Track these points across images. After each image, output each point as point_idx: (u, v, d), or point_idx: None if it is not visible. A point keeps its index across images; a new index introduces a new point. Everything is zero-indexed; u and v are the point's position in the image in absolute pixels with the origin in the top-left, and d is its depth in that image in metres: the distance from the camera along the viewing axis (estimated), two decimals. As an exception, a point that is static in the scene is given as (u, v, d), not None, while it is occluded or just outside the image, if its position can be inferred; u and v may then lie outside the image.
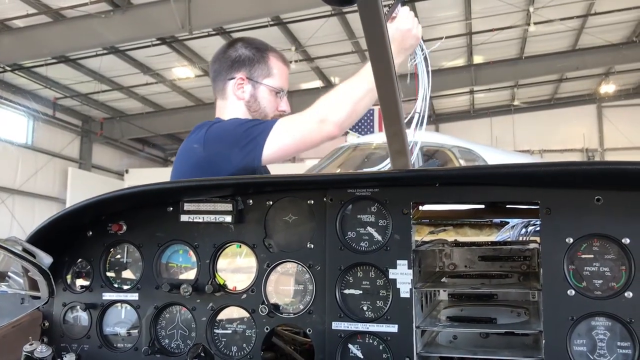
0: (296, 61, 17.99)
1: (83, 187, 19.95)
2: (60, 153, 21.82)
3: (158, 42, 16.89)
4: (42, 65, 17.73)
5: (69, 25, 14.85)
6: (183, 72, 19.35)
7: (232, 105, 2.80)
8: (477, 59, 20.40)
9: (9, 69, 17.67)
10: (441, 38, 18.05)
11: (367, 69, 2.40)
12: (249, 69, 2.78)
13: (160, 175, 21.73)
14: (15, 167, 19.75)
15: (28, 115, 20.12)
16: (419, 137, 2.50)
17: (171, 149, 27.57)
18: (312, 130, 2.42)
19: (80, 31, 14.57)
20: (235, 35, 16.85)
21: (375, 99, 2.42)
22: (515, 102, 24.98)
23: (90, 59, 17.67)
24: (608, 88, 23.76)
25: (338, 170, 8.91)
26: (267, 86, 2.79)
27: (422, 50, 2.59)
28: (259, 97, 2.79)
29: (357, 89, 2.43)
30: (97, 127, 22.85)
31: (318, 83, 20.49)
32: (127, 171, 23.25)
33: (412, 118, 2.43)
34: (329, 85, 20.80)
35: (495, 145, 22.33)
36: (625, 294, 1.60)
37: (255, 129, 2.47)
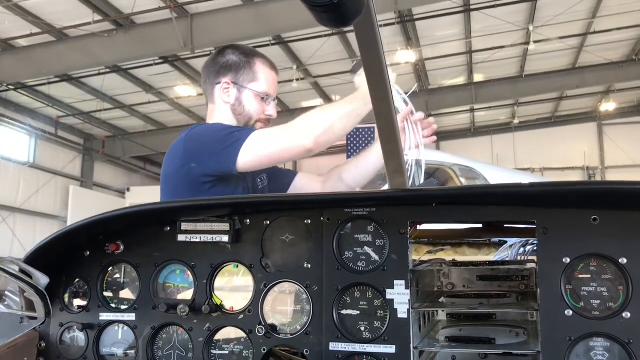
0: (297, 79, 18.11)
1: (84, 206, 19.98)
2: (61, 171, 21.84)
3: (160, 61, 17.01)
4: (44, 84, 17.84)
5: (72, 44, 14.96)
6: (185, 90, 19.42)
7: (219, 109, 2.87)
8: (478, 77, 20.50)
9: (12, 87, 17.76)
10: (443, 56, 18.28)
11: (351, 97, 2.55)
12: (235, 74, 2.84)
13: (162, 193, 21.74)
14: (17, 186, 19.76)
15: (30, 133, 20.19)
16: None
17: (173, 167, 27.58)
18: (288, 141, 2.47)
19: (83, 50, 14.70)
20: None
21: (357, 123, 2.56)
22: (516, 120, 25.04)
23: (92, 77, 17.78)
24: (608, 106, 23.83)
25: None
26: (252, 90, 2.84)
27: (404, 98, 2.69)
28: (244, 101, 2.83)
29: (338, 109, 2.53)
30: (98, 145, 22.89)
31: (319, 101, 20.58)
32: (128, 189, 23.30)
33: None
34: (329, 103, 20.88)
35: (496, 163, 22.32)
36: (623, 314, 1.59)
37: (233, 136, 2.51)
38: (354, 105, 2.54)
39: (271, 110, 2.90)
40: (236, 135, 2.52)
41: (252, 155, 2.46)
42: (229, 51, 2.90)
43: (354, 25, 1.18)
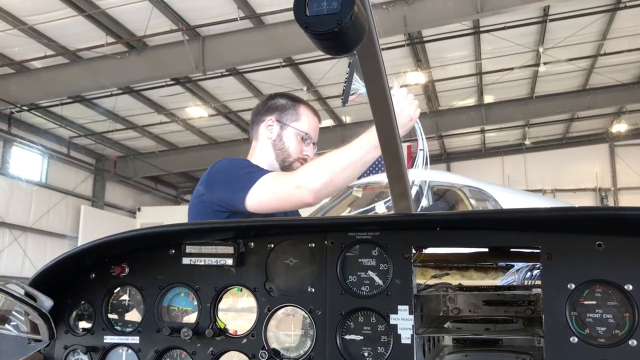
0: (307, 100, 18.17)
1: (95, 225, 20.09)
2: (73, 191, 22.02)
3: (172, 82, 17.18)
4: (57, 105, 18.06)
5: (85, 66, 15.19)
6: (196, 111, 19.60)
7: (261, 144, 3.04)
8: (488, 99, 20.51)
9: (25, 108, 17.99)
10: (453, 78, 18.33)
11: (354, 144, 2.56)
12: (280, 113, 3.04)
13: (172, 213, 21.85)
14: (29, 205, 19.92)
15: (43, 153, 20.39)
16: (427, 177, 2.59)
17: (184, 187, 27.76)
18: (288, 193, 2.51)
19: (96, 72, 14.90)
20: (249, 75, 17.13)
21: (359, 173, 2.62)
22: (527, 142, 24.96)
23: (105, 98, 17.99)
24: (620, 127, 23.69)
25: (347, 209, 8.89)
26: (293, 128, 3.01)
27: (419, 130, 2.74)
28: (285, 138, 3.00)
29: (338, 161, 2.55)
30: (110, 165, 23.08)
31: (329, 122, 20.66)
32: (139, 209, 23.37)
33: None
34: (340, 124, 20.99)
35: (507, 184, 22.25)
36: (630, 342, 1.57)
37: (247, 176, 2.59)
38: (360, 151, 2.55)
39: (308, 151, 3.04)
40: (250, 175, 2.60)
41: (257, 199, 2.52)
42: (278, 96, 3.14)
43: (356, 51, 1.19)
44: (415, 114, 2.66)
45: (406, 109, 2.60)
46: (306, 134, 3.02)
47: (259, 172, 2.64)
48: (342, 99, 2.70)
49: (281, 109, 3.04)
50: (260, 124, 3.05)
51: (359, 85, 2.69)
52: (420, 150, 2.74)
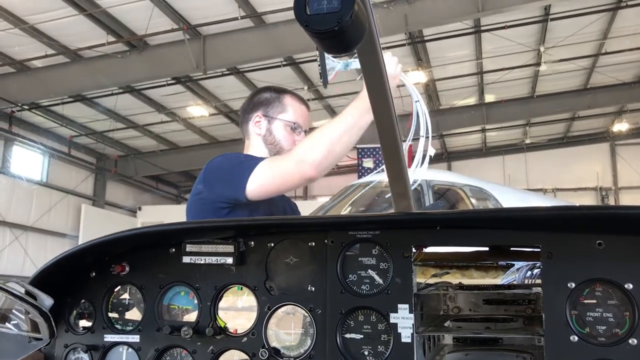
0: (309, 100, 18.18)
1: (96, 224, 20.10)
2: (74, 190, 22.00)
3: (173, 81, 17.18)
4: (58, 104, 18.05)
5: (86, 65, 15.19)
6: (197, 110, 19.59)
7: (252, 142, 3.03)
8: (489, 98, 20.49)
9: (26, 107, 17.98)
10: (454, 77, 18.30)
11: (345, 112, 2.54)
12: (266, 108, 3.00)
13: (173, 212, 21.82)
14: (30, 204, 19.92)
15: (44, 152, 20.39)
16: (423, 176, 2.57)
17: (184, 187, 27.76)
18: (290, 170, 2.50)
19: (97, 71, 14.89)
20: (250, 75, 17.12)
21: (356, 140, 2.57)
22: (528, 141, 24.95)
23: (105, 97, 17.99)
24: (621, 126, 23.68)
25: (348, 209, 8.89)
26: (281, 120, 2.97)
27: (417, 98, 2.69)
28: (274, 131, 2.96)
29: (334, 130, 2.53)
30: (111, 164, 23.06)
31: (330, 121, 20.61)
32: (140, 208, 23.39)
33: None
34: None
35: (508, 183, 22.23)
36: (630, 341, 1.57)
37: (243, 165, 2.58)
38: (353, 118, 2.53)
39: (301, 140, 2.96)
40: (246, 164, 2.58)
41: (257, 184, 2.51)
42: (261, 90, 3.11)
43: (357, 49, 1.19)
44: (396, 71, 2.61)
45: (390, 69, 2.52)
46: (295, 124, 2.98)
47: (255, 159, 2.64)
48: (322, 82, 2.66)
49: (266, 103, 3.01)
50: (249, 121, 3.04)
51: (332, 63, 2.66)
52: (416, 102, 2.69)
